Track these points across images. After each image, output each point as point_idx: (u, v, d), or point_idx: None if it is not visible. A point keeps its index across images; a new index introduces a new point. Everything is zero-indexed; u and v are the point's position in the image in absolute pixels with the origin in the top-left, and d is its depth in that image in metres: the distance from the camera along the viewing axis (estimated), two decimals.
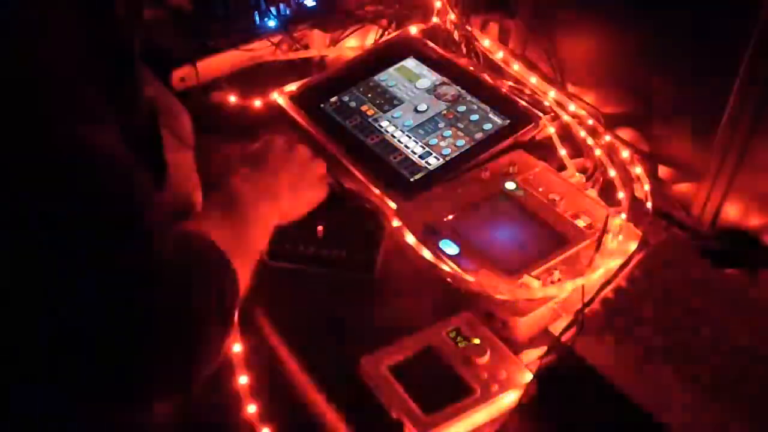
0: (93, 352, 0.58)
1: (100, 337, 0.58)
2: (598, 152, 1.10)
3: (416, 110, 1.20)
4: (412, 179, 1.09)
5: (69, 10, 0.59)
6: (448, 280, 0.93)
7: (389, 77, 1.27)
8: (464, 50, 1.31)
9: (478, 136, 1.14)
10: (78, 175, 0.57)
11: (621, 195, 1.05)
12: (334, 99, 1.24)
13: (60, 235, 0.56)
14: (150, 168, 0.65)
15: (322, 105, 1.23)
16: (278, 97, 1.25)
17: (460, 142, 1.13)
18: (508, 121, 1.15)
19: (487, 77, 1.23)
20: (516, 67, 1.24)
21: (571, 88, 1.22)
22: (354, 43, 1.38)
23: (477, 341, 0.86)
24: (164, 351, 0.60)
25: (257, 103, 1.25)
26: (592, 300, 0.89)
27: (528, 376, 0.83)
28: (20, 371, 0.63)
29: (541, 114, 1.15)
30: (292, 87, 1.27)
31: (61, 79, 0.57)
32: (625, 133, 1.15)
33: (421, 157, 1.12)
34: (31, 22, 0.56)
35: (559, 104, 1.17)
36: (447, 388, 0.82)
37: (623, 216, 1.00)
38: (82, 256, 0.57)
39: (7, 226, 0.56)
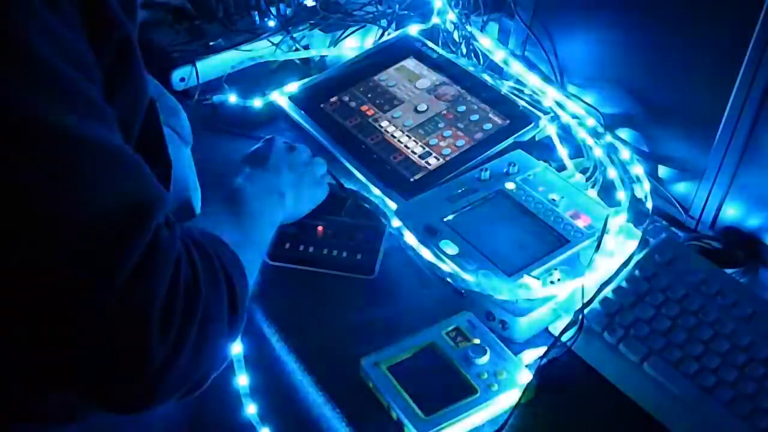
0: (108, 348, 0.58)
1: (116, 335, 0.58)
2: (598, 152, 1.11)
3: (416, 110, 1.20)
4: (412, 179, 1.09)
5: (68, 7, 0.58)
6: (448, 280, 0.93)
7: (389, 77, 1.27)
8: (464, 50, 1.31)
9: (478, 136, 1.14)
10: (87, 170, 0.57)
11: (621, 195, 1.05)
12: (334, 99, 1.24)
13: (65, 233, 0.56)
14: (155, 165, 0.65)
15: (322, 105, 1.23)
16: (278, 97, 1.25)
17: (460, 142, 1.13)
18: (508, 121, 1.15)
19: (487, 77, 1.23)
20: (516, 67, 1.24)
21: (571, 88, 1.22)
22: (354, 43, 1.38)
23: (477, 341, 0.86)
24: (179, 348, 0.60)
25: (257, 103, 1.25)
26: (592, 300, 0.89)
27: (528, 376, 0.83)
28: (43, 372, 0.63)
29: (541, 114, 1.15)
30: (292, 87, 1.27)
31: (60, 75, 0.57)
32: (625, 133, 1.15)
33: (421, 157, 1.12)
34: (28, 13, 0.56)
35: (559, 104, 1.17)
36: (447, 388, 0.82)
37: (623, 216, 1.00)
38: (94, 254, 0.56)
39: (21, 226, 0.55)
